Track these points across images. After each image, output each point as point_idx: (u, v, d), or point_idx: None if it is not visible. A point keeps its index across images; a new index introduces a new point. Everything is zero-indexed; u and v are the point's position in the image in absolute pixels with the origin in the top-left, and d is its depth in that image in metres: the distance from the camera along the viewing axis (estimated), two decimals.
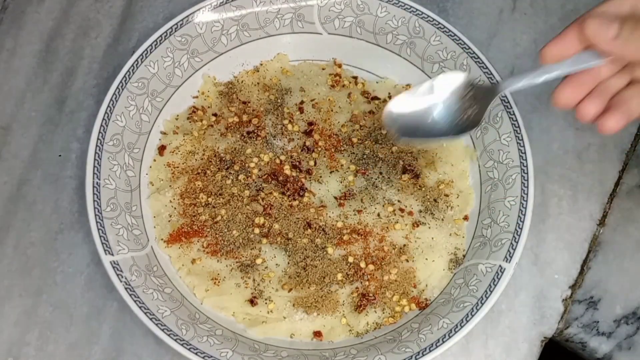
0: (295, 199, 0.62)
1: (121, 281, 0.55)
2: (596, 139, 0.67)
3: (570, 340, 0.62)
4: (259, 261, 0.60)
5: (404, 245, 0.61)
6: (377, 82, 0.69)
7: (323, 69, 0.69)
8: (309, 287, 0.59)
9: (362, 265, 0.60)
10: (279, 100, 0.67)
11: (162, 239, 0.60)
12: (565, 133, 0.68)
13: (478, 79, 0.63)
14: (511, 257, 0.57)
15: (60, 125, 0.67)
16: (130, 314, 0.56)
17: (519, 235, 0.58)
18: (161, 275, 0.58)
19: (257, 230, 0.61)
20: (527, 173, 0.60)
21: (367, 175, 0.64)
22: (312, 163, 0.64)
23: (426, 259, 0.61)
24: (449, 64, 0.65)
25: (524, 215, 0.58)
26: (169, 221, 0.61)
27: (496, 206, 0.61)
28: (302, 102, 0.67)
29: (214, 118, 0.66)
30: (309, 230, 0.61)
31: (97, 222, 0.57)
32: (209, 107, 0.67)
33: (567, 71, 0.49)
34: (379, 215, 0.62)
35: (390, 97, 0.67)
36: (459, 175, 0.64)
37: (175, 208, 0.62)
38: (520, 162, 0.60)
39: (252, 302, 0.59)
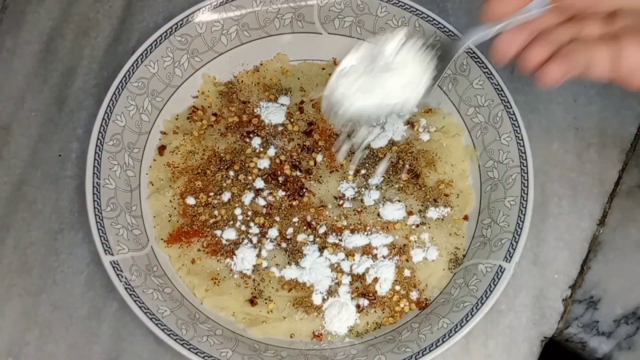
0: (295, 199, 0.62)
1: (121, 281, 0.55)
2: (596, 139, 0.67)
3: (570, 340, 0.62)
4: (259, 261, 0.60)
5: (404, 245, 0.61)
6: None
7: (323, 69, 0.69)
8: (309, 287, 0.59)
9: (362, 265, 0.60)
10: (279, 101, 0.67)
11: (162, 239, 0.60)
12: (565, 133, 0.68)
13: (432, 37, 0.59)
14: (511, 257, 0.57)
15: (60, 125, 0.67)
16: (130, 314, 0.56)
17: (519, 235, 0.58)
18: (161, 275, 0.58)
19: (257, 230, 0.61)
20: (527, 173, 0.60)
21: (367, 175, 0.64)
22: (312, 163, 0.64)
23: (426, 258, 0.61)
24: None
25: (524, 215, 0.58)
26: (169, 221, 0.61)
27: (496, 206, 0.61)
28: (302, 102, 0.67)
29: (214, 118, 0.66)
30: (309, 230, 0.61)
31: (97, 222, 0.57)
32: (209, 107, 0.67)
33: (519, 19, 0.47)
34: (379, 215, 0.62)
35: None
36: (459, 175, 0.64)
37: (175, 208, 0.62)
38: (520, 162, 0.60)
39: (252, 302, 0.59)
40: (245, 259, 0.60)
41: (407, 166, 0.64)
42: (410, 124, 0.66)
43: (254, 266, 0.60)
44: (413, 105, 0.53)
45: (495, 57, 0.48)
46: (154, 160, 0.64)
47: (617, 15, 0.47)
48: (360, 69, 0.52)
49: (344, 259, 0.60)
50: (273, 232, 0.61)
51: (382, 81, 0.52)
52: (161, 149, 0.64)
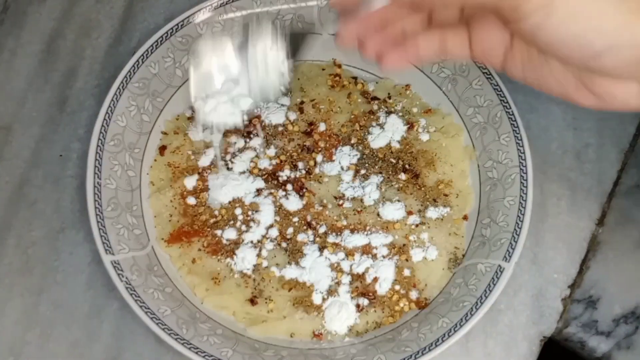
0: (296, 199, 0.62)
1: (122, 280, 0.55)
2: (595, 139, 0.67)
3: (569, 339, 0.62)
4: (259, 261, 0.60)
5: (404, 244, 0.61)
6: (377, 82, 0.69)
7: (323, 69, 0.69)
8: (309, 287, 0.59)
9: (362, 264, 0.60)
10: (279, 101, 0.67)
11: (162, 239, 0.61)
12: (564, 133, 0.68)
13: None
14: (510, 257, 0.57)
15: (61, 125, 0.67)
16: (130, 313, 0.56)
17: (518, 235, 0.58)
18: (162, 274, 0.58)
19: (257, 230, 0.61)
20: (526, 173, 0.60)
21: (367, 175, 0.64)
22: (312, 163, 0.64)
23: (426, 258, 0.61)
24: (448, 64, 0.65)
25: (523, 214, 0.58)
26: (170, 221, 0.61)
27: (495, 206, 0.61)
28: (302, 102, 0.67)
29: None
30: (309, 230, 0.61)
31: (97, 221, 0.57)
32: None
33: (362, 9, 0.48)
34: (378, 215, 0.62)
35: (390, 97, 0.68)
36: (459, 175, 0.64)
37: (175, 208, 0.62)
38: (519, 162, 0.61)
39: (252, 301, 0.59)
40: (246, 258, 0.60)
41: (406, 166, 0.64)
42: (410, 124, 0.66)
43: (254, 266, 0.60)
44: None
45: (337, 43, 0.49)
46: (155, 160, 0.64)
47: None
48: None
49: (343, 259, 0.60)
50: (273, 232, 0.61)
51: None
52: (162, 149, 0.64)
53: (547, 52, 0.44)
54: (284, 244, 0.61)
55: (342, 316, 0.58)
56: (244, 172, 0.63)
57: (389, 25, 0.48)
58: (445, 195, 0.63)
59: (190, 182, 0.63)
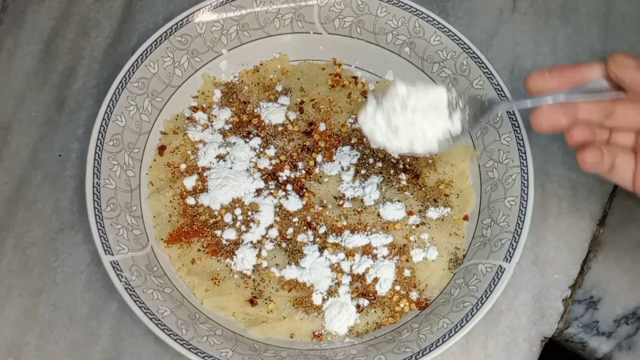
0: (295, 199, 0.62)
1: (121, 281, 0.55)
2: None
3: (570, 340, 0.62)
4: (259, 261, 0.60)
5: (404, 245, 0.61)
6: (377, 82, 0.69)
7: (323, 69, 0.69)
8: (309, 287, 0.59)
9: (362, 265, 0.60)
10: (279, 101, 0.67)
11: (162, 239, 0.60)
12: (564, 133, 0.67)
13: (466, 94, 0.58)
14: (511, 257, 0.57)
15: (60, 125, 0.67)
16: (130, 314, 0.56)
17: (519, 235, 0.58)
18: (161, 275, 0.58)
19: (257, 230, 0.61)
20: (527, 173, 0.60)
21: (367, 175, 0.64)
22: (312, 163, 0.64)
23: (426, 258, 0.61)
24: (449, 64, 0.65)
25: (524, 215, 0.58)
26: (169, 221, 0.61)
27: (496, 206, 0.61)
28: (302, 102, 0.67)
29: (214, 118, 0.66)
30: (309, 230, 0.61)
31: (97, 222, 0.57)
32: (209, 107, 0.67)
33: (575, 98, 0.48)
34: (379, 215, 0.62)
35: None
36: (459, 175, 0.64)
37: (175, 208, 0.62)
38: (520, 162, 0.60)
39: (252, 302, 0.59)
40: (245, 259, 0.60)
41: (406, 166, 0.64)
42: None
43: (254, 266, 0.60)
44: (430, 150, 0.53)
45: (533, 126, 0.50)
46: (154, 160, 0.64)
47: None
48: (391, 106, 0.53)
49: (344, 259, 0.60)
50: (273, 232, 0.61)
51: (407, 122, 0.52)
52: (161, 149, 0.64)
53: None
54: (283, 245, 0.61)
55: (342, 317, 0.58)
56: (244, 172, 0.63)
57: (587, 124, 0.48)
58: (446, 195, 0.63)
59: (190, 182, 0.62)
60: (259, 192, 0.63)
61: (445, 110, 0.52)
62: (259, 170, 0.64)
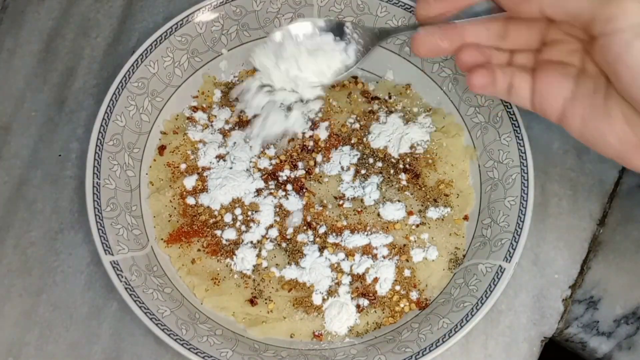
0: (296, 199, 0.62)
1: (121, 281, 0.55)
2: None
3: (570, 340, 0.62)
4: (259, 261, 0.60)
5: (404, 245, 0.61)
6: (377, 82, 0.69)
7: None
8: (309, 287, 0.59)
9: (362, 265, 0.60)
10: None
11: (162, 239, 0.60)
12: (565, 132, 0.66)
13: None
14: (511, 257, 0.57)
15: (60, 125, 0.67)
16: (130, 314, 0.56)
17: (519, 235, 0.58)
18: (161, 275, 0.58)
19: (257, 230, 0.61)
20: (527, 173, 0.60)
21: (367, 175, 0.64)
22: (312, 163, 0.64)
23: (426, 258, 0.61)
24: (449, 64, 0.65)
25: (524, 215, 0.58)
26: (169, 221, 0.61)
27: (496, 206, 0.61)
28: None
29: (214, 118, 0.66)
30: (309, 230, 0.61)
31: (97, 222, 0.57)
32: (209, 107, 0.67)
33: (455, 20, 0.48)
34: (379, 215, 0.62)
35: (390, 97, 0.67)
36: (459, 175, 0.64)
37: (175, 208, 0.62)
38: (520, 162, 0.60)
39: (252, 302, 0.59)
40: (245, 259, 0.60)
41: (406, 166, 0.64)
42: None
43: (254, 266, 0.60)
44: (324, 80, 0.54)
45: (413, 49, 0.49)
46: (154, 160, 0.64)
47: (545, 47, 0.49)
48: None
49: (344, 259, 0.60)
50: (273, 232, 0.61)
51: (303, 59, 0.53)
52: (161, 149, 0.64)
53: (623, 83, 0.41)
54: (283, 244, 0.61)
55: (342, 317, 0.58)
56: (244, 172, 0.63)
57: (479, 44, 0.48)
58: (446, 195, 0.63)
59: (190, 182, 0.62)
60: (259, 192, 0.63)
61: (335, 45, 0.53)
62: (259, 170, 0.64)
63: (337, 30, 0.54)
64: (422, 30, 0.49)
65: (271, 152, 0.64)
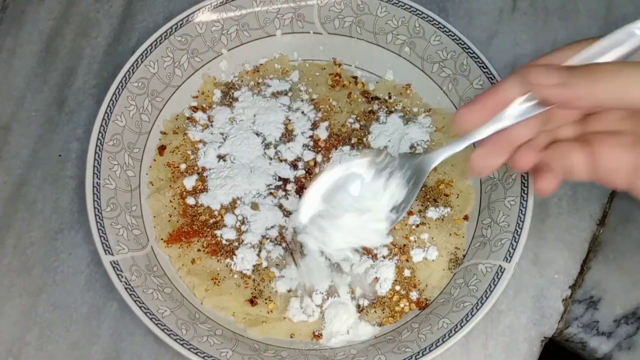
0: (295, 199, 0.62)
1: (121, 281, 0.55)
2: None
3: (570, 340, 0.62)
4: (259, 261, 0.60)
5: (404, 245, 0.61)
6: (377, 82, 0.69)
7: (323, 69, 0.69)
8: (309, 287, 0.59)
9: (362, 265, 0.60)
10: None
11: (162, 239, 0.60)
12: None
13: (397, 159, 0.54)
14: (511, 257, 0.57)
15: (60, 125, 0.67)
16: (130, 314, 0.56)
17: (519, 235, 0.58)
18: (161, 275, 0.58)
19: (257, 230, 0.61)
20: (527, 173, 0.60)
21: None
22: (312, 163, 0.64)
23: (426, 258, 0.61)
24: (449, 64, 0.65)
25: (524, 215, 0.58)
26: (169, 221, 0.61)
27: (496, 206, 0.61)
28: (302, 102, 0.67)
29: (214, 118, 0.66)
30: None
31: (97, 222, 0.57)
32: (208, 107, 0.67)
33: (500, 127, 0.46)
34: None
35: (390, 97, 0.67)
36: (459, 175, 0.64)
37: (175, 208, 0.62)
38: None
39: (252, 302, 0.59)
40: (245, 259, 0.60)
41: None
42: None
43: (254, 266, 0.60)
44: (383, 240, 0.54)
45: (472, 172, 0.49)
46: (154, 160, 0.64)
47: (590, 117, 0.49)
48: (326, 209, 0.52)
49: (344, 259, 0.60)
50: (273, 232, 0.61)
51: (344, 222, 0.52)
52: (161, 149, 0.64)
53: None
54: (283, 244, 0.61)
55: (342, 317, 0.58)
56: (244, 172, 0.63)
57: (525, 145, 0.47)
58: (446, 195, 0.63)
59: (190, 182, 0.62)
60: (259, 192, 0.63)
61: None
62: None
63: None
64: (477, 154, 0.47)
65: (271, 152, 0.64)
